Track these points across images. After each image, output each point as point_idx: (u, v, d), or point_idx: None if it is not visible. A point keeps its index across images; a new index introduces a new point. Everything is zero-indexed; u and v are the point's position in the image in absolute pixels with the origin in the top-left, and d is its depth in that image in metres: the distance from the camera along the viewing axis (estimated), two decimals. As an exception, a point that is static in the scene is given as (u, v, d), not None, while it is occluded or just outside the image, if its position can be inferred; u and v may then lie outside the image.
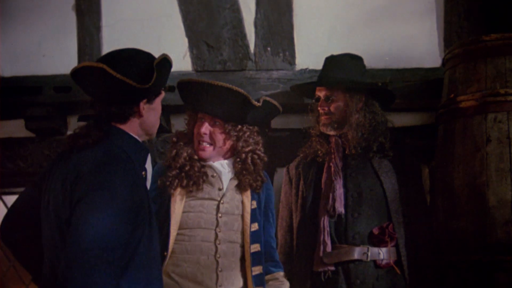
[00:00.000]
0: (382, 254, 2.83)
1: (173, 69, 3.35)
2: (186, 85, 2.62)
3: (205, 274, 2.50)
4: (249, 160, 2.63)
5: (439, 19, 3.47)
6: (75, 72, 2.13)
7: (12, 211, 2.24)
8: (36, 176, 2.17)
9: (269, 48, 3.48)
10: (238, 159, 2.63)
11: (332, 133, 2.98)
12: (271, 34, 3.48)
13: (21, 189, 3.50)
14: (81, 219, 1.85)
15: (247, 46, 3.48)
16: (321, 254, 2.83)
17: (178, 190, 2.58)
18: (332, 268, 2.83)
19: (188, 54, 3.49)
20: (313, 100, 3.06)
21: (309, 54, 3.43)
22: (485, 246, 2.75)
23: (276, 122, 3.52)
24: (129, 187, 1.95)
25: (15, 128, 3.61)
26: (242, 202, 2.63)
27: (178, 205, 2.55)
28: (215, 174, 2.63)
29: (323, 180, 2.95)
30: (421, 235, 2.89)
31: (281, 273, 2.78)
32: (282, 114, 3.34)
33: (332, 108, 2.96)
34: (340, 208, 2.86)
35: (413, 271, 2.84)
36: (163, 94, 2.24)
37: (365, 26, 3.49)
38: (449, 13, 3.44)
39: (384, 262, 2.83)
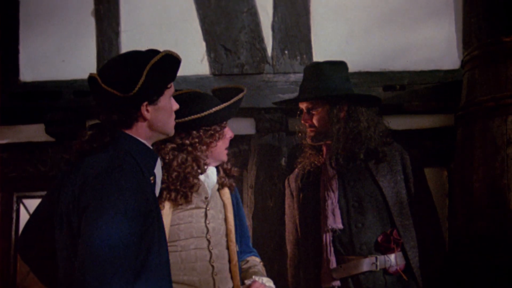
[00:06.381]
0: (390, 261, 2.78)
1: (191, 73, 3.45)
2: None
3: (202, 279, 2.50)
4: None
5: (458, 20, 3.44)
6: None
7: (28, 227, 2.23)
8: (54, 182, 2.17)
9: (286, 51, 3.48)
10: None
11: (319, 143, 2.94)
12: (289, 37, 3.48)
13: (41, 193, 3.59)
14: (89, 226, 1.84)
15: (265, 50, 3.49)
16: (326, 270, 2.79)
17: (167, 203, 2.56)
18: (338, 283, 2.78)
19: (205, 58, 3.50)
20: (298, 112, 3.02)
21: (327, 57, 3.40)
22: (505, 249, 2.73)
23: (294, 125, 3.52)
24: (135, 192, 1.92)
25: (35, 133, 3.66)
26: (224, 205, 2.63)
27: (166, 218, 2.49)
28: (200, 183, 2.59)
29: (321, 194, 2.89)
30: (428, 236, 2.84)
31: (254, 258, 2.77)
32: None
33: (314, 121, 2.89)
34: (334, 224, 2.79)
35: (425, 275, 2.79)
36: (171, 90, 2.14)
37: (383, 28, 3.47)
38: (467, 14, 3.42)
39: (393, 269, 2.78)
